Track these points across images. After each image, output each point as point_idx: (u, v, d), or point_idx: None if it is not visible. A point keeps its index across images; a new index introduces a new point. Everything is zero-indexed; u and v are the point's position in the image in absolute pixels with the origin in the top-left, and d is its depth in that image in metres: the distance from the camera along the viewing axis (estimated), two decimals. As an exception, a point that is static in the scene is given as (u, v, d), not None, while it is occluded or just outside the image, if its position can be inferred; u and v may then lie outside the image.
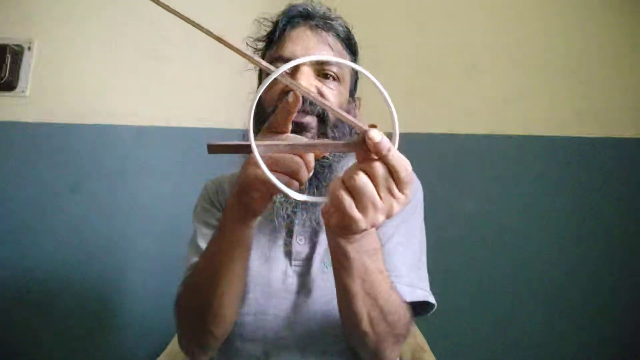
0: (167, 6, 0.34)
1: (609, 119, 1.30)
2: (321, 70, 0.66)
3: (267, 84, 0.36)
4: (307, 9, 0.69)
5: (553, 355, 1.23)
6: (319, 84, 0.66)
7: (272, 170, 0.42)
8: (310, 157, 0.46)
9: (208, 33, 0.35)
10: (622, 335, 1.20)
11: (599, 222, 1.26)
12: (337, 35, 0.70)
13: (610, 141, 1.28)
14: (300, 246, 0.69)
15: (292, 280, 0.68)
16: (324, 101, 0.38)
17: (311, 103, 0.64)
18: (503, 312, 1.26)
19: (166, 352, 1.06)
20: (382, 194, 0.39)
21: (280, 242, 0.70)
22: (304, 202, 0.63)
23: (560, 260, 1.26)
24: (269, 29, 0.72)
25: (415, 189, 0.71)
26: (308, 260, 0.69)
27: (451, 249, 1.28)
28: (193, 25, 0.35)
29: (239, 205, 0.52)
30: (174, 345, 1.07)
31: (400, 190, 0.39)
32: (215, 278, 0.57)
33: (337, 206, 0.40)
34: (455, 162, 1.37)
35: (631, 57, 1.32)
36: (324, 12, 0.71)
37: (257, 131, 0.44)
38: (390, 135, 0.38)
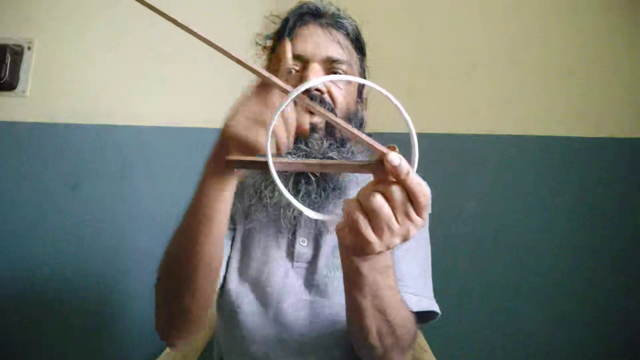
0: (190, 29, 0.34)
1: (609, 119, 1.30)
2: (331, 69, 0.66)
3: (284, 106, 0.36)
4: (318, 7, 0.70)
5: (553, 355, 1.23)
6: (329, 84, 0.66)
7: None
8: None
9: (228, 55, 0.35)
10: (622, 336, 1.20)
11: (599, 222, 1.26)
12: (347, 34, 0.70)
13: (610, 141, 1.28)
14: (303, 248, 0.69)
15: (294, 283, 0.67)
16: (340, 122, 0.38)
17: (321, 100, 0.64)
18: (503, 312, 1.26)
19: (166, 352, 1.06)
20: (399, 217, 0.39)
21: (283, 242, 0.70)
22: (310, 205, 0.63)
23: (560, 260, 1.26)
24: (278, 27, 0.72)
25: None
26: (311, 263, 0.68)
27: (451, 248, 1.28)
28: (214, 48, 0.35)
29: (216, 160, 0.50)
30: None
31: (418, 213, 0.39)
32: (189, 242, 0.54)
33: (352, 227, 0.39)
34: (455, 162, 1.36)
35: (631, 57, 1.32)
36: (334, 11, 0.71)
37: None
38: (407, 157, 0.38)
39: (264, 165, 0.38)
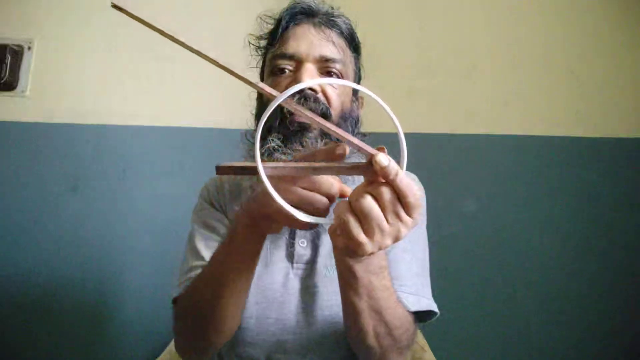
0: (172, 36, 0.34)
1: (609, 119, 1.30)
2: (325, 68, 0.66)
3: (271, 110, 0.36)
4: (311, 6, 0.69)
5: (553, 355, 1.23)
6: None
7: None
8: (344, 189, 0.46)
9: (214, 62, 0.35)
10: (622, 336, 1.20)
11: (598, 222, 1.26)
12: (341, 33, 0.69)
13: (610, 141, 1.28)
14: (302, 249, 0.68)
15: (294, 284, 0.67)
16: (329, 125, 0.38)
17: (315, 100, 0.63)
18: (503, 312, 1.26)
19: (166, 351, 1.07)
20: (389, 218, 0.39)
21: (282, 244, 0.70)
22: None
23: (560, 260, 1.26)
24: (271, 26, 0.72)
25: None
26: (310, 264, 0.68)
27: (451, 248, 1.28)
28: (199, 55, 0.35)
29: (254, 228, 0.52)
30: (173, 345, 1.07)
31: (408, 214, 0.39)
32: (220, 289, 0.57)
33: (343, 229, 0.39)
34: (455, 162, 1.36)
35: (631, 57, 1.32)
36: (327, 10, 0.70)
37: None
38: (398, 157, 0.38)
39: (254, 171, 0.38)
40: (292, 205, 0.43)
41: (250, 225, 0.52)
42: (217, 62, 0.35)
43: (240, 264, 0.55)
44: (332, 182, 0.43)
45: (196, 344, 0.64)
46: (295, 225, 0.47)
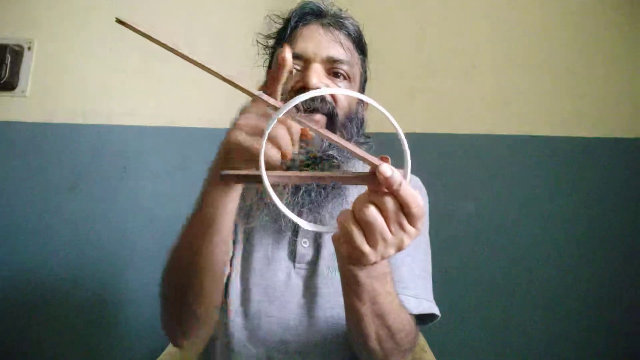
0: (174, 49, 0.34)
1: (609, 119, 1.30)
2: (332, 69, 0.67)
3: (274, 122, 0.36)
4: (320, 7, 0.70)
5: (552, 355, 1.23)
6: (330, 83, 0.66)
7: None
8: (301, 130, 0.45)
9: (217, 75, 0.35)
10: (621, 336, 1.20)
11: (598, 222, 1.26)
12: (349, 35, 0.70)
13: (610, 141, 1.28)
14: (304, 249, 0.69)
15: (296, 283, 0.67)
16: (332, 136, 0.38)
17: (322, 100, 0.64)
18: (503, 313, 1.26)
19: (166, 351, 1.07)
20: (392, 228, 0.39)
21: (285, 243, 0.70)
22: (310, 203, 0.63)
23: (560, 260, 1.26)
24: (279, 26, 0.72)
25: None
26: (313, 264, 0.68)
27: (451, 248, 1.28)
28: (201, 68, 0.35)
29: (218, 172, 0.50)
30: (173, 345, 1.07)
31: (411, 223, 0.39)
32: (194, 249, 0.55)
33: (347, 239, 0.39)
34: (455, 162, 1.36)
35: (631, 57, 1.32)
36: (336, 11, 0.71)
37: None
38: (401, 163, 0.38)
39: (259, 179, 0.38)
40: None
41: (215, 169, 0.50)
42: (220, 75, 0.35)
43: (210, 219, 0.52)
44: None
45: (178, 315, 0.61)
46: (251, 155, 0.44)
